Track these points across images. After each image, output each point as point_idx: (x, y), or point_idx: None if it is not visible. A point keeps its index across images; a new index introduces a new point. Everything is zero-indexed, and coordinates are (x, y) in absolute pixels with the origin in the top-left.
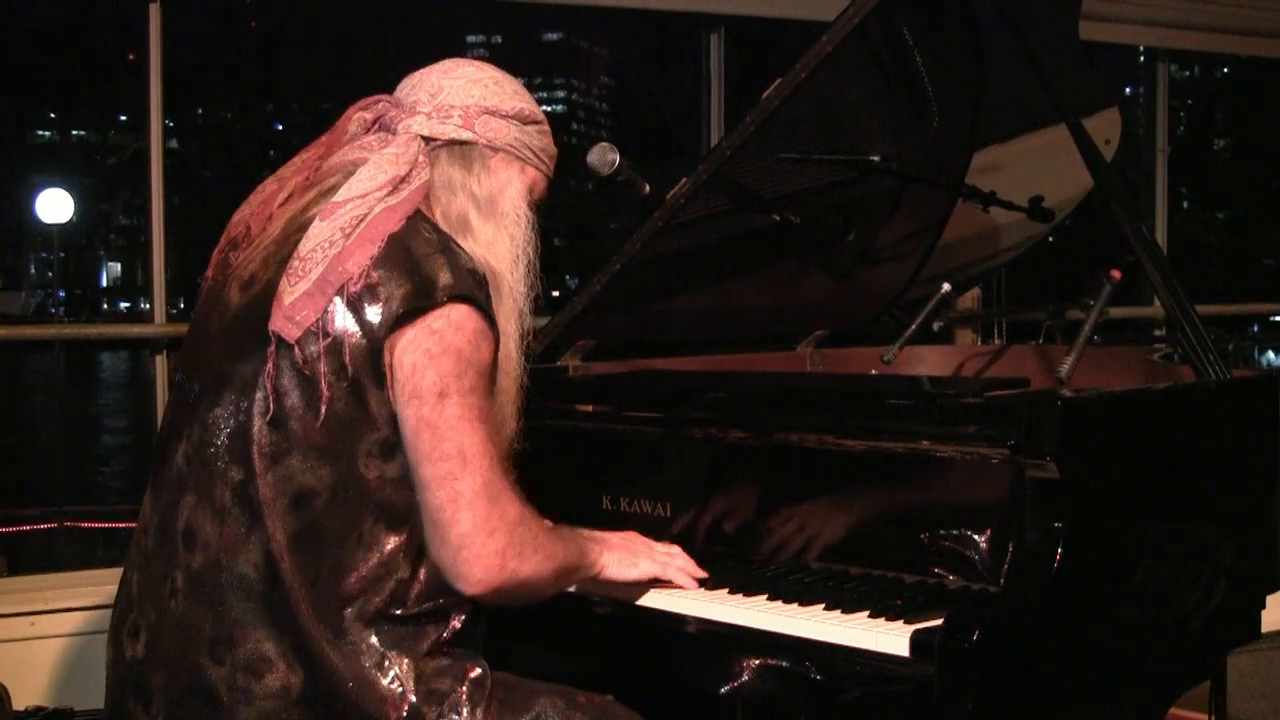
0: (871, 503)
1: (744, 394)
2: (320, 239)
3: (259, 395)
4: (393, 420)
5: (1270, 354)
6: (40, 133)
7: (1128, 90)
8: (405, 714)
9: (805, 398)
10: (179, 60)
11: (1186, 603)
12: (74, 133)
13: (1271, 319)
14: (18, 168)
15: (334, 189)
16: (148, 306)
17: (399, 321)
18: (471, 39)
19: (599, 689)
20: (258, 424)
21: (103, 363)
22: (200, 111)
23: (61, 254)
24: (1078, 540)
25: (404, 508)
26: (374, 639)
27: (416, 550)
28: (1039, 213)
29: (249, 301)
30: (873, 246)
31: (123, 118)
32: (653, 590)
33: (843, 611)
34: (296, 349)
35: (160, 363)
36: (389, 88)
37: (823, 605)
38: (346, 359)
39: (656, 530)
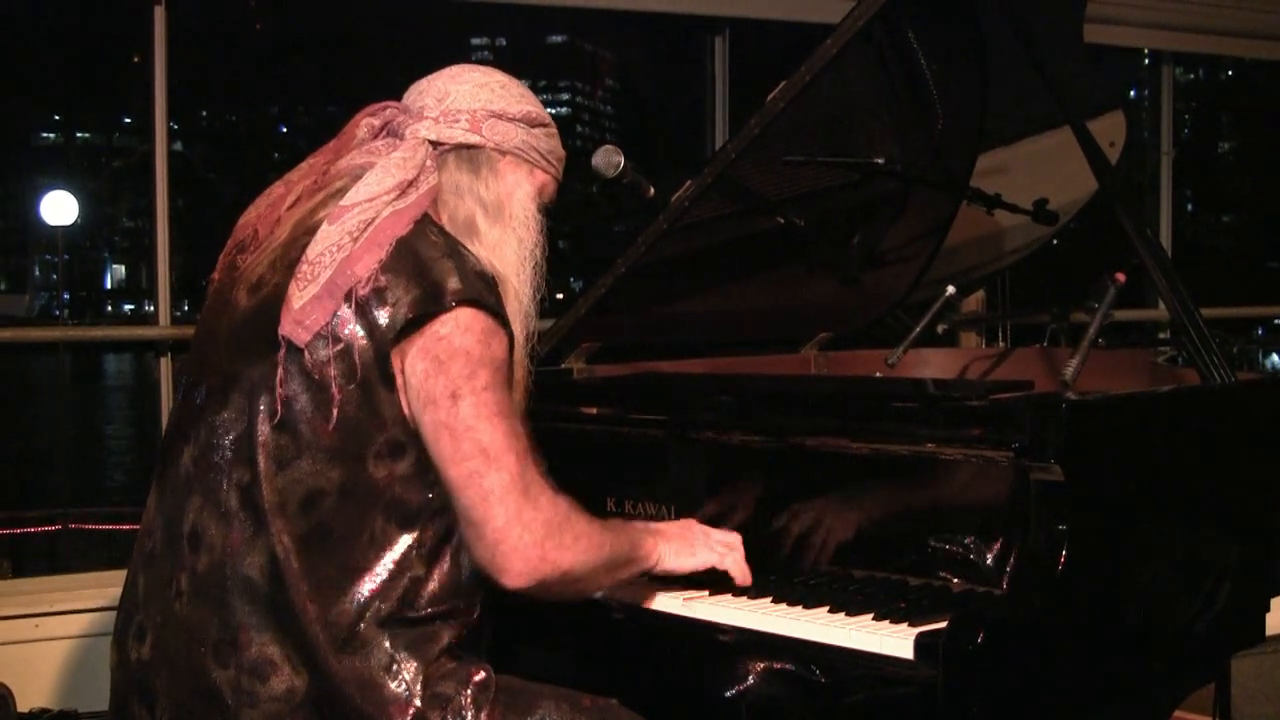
0: (876, 505)
1: (748, 396)
2: (328, 242)
3: (267, 399)
4: (401, 420)
5: (1275, 357)
6: (45, 135)
7: (1132, 93)
8: (410, 718)
9: (809, 400)
10: (184, 63)
11: (1191, 605)
12: (79, 135)
13: (1276, 322)
14: (23, 170)
15: (342, 192)
16: (152, 309)
17: (407, 327)
18: (476, 41)
19: (602, 691)
20: (265, 428)
21: (107, 365)
22: (205, 114)
23: (66, 256)
24: (1082, 543)
25: (415, 506)
26: (386, 641)
27: (431, 549)
28: (1043, 215)
29: (256, 305)
30: (877, 249)
31: (127, 121)
32: (657, 592)
33: (847, 614)
34: (306, 353)
35: (165, 365)
36: (393, 91)
37: (827, 608)
38: (356, 361)
39: None
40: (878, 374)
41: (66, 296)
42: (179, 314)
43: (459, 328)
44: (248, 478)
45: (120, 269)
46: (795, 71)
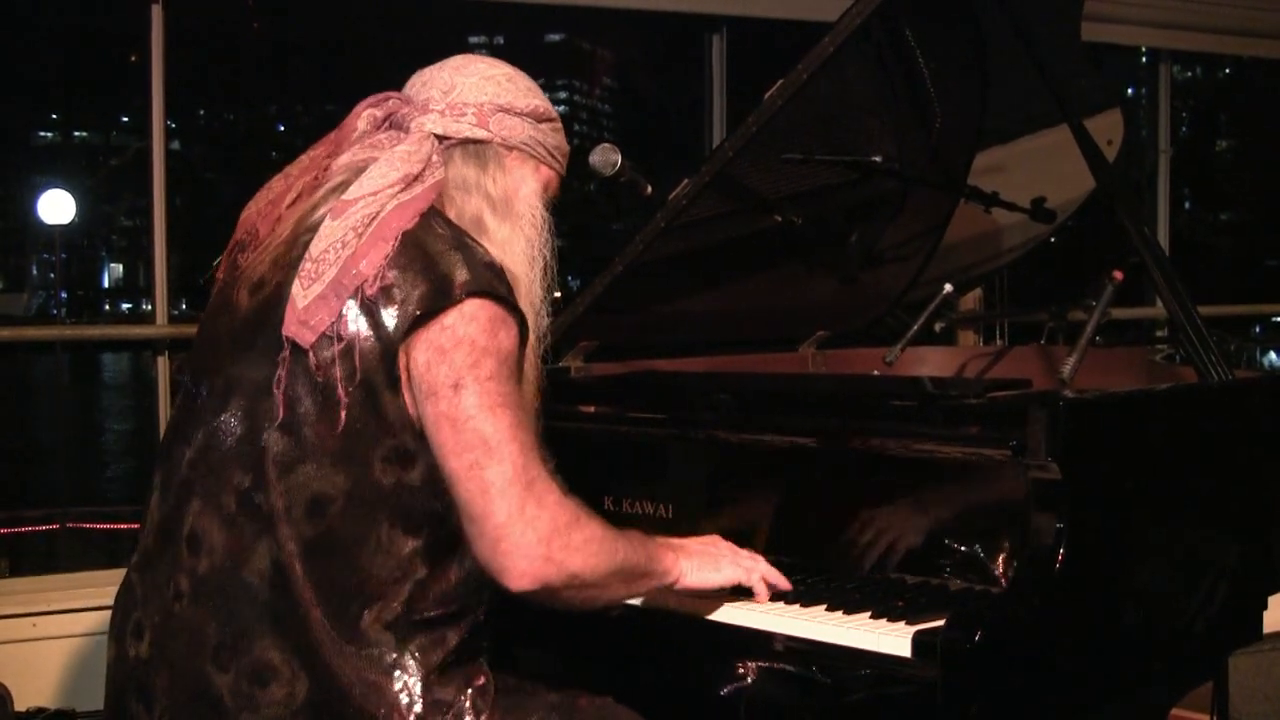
0: (874, 503)
1: (746, 395)
2: (332, 239)
3: (270, 402)
4: (409, 426)
5: (1272, 355)
6: (42, 134)
7: (1130, 91)
8: None
9: (807, 399)
10: (181, 62)
11: (1188, 604)
12: (76, 134)
13: (1274, 320)
14: (20, 169)
15: (344, 187)
16: (149, 308)
17: (416, 324)
18: (474, 40)
19: (598, 689)
20: (269, 431)
21: (105, 364)
22: (202, 113)
23: (63, 255)
24: (1080, 541)
25: (422, 512)
26: (391, 644)
27: (435, 552)
28: (1041, 214)
29: (258, 305)
30: (875, 247)
31: (125, 119)
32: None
33: (845, 612)
34: (311, 354)
35: (162, 364)
36: (392, 89)
37: (825, 606)
38: (357, 362)
39: (656, 532)
40: (876, 372)
41: (64, 295)
42: (176, 313)
43: (464, 317)
44: (249, 482)
45: (118, 268)
46: (793, 69)
